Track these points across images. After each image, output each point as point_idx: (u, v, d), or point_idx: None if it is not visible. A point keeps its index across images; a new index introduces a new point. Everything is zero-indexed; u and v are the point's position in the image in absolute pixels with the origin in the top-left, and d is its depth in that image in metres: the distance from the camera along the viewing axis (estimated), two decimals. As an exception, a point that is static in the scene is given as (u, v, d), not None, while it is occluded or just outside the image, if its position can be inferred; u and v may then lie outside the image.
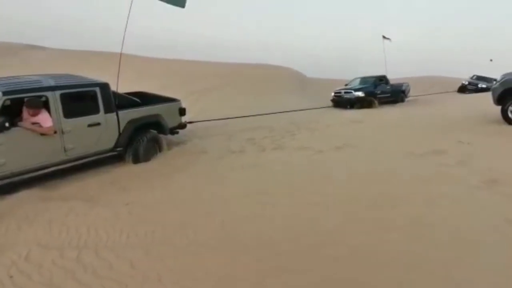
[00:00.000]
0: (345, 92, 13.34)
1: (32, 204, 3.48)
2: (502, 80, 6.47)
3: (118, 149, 4.83)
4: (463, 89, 19.78)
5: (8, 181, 3.67)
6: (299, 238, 2.56)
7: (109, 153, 4.75)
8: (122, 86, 5.53)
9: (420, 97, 17.05)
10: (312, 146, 5.65)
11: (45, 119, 3.91)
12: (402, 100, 14.64)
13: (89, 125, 4.43)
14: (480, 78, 19.89)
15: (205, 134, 7.21)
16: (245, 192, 3.68)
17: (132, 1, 5.54)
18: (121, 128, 4.84)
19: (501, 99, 6.36)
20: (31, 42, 24.96)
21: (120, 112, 4.83)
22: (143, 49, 21.55)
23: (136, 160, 5.01)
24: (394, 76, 16.26)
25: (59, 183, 4.21)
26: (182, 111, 5.97)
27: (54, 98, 4.05)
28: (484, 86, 18.33)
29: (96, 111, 4.54)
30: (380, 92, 13.55)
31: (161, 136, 5.52)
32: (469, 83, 19.79)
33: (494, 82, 7.15)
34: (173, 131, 5.88)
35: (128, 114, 4.95)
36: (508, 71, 6.71)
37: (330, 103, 13.87)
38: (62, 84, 4.21)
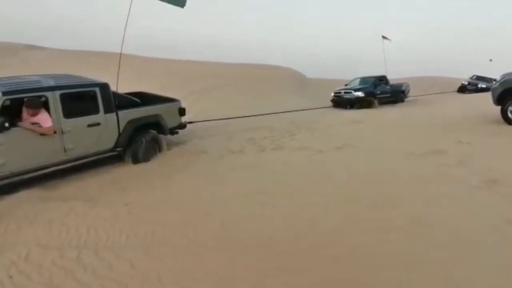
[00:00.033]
0: (345, 92, 13.34)
1: (32, 204, 3.48)
2: (502, 80, 6.47)
3: (118, 149, 4.83)
4: (463, 89, 19.80)
5: (8, 181, 3.67)
6: (299, 238, 2.56)
7: (109, 153, 4.75)
8: (122, 86, 5.52)
9: (420, 97, 17.05)
10: (312, 146, 5.65)
11: (44, 119, 3.91)
12: (402, 100, 14.64)
13: (89, 125, 4.42)
14: (480, 78, 19.90)
15: (205, 134, 7.21)
16: (245, 192, 3.68)
17: (132, 1, 5.54)
18: (121, 128, 4.84)
19: (500, 99, 6.36)
20: (31, 42, 24.97)
21: (120, 112, 4.83)
22: (143, 49, 21.58)
23: (136, 160, 5.01)
24: (394, 76, 16.27)
25: (59, 183, 4.21)
26: (182, 111, 5.97)
27: (54, 98, 4.05)
28: (483, 86, 18.35)
29: (96, 111, 4.53)
30: (380, 92, 13.55)
31: (161, 136, 5.52)
32: (469, 83, 19.81)
33: (494, 82, 7.15)
34: (173, 131, 5.87)
35: (128, 114, 4.95)
36: (508, 71, 6.71)
37: (330, 103, 13.88)
38: (62, 84, 4.21)
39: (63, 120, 4.13)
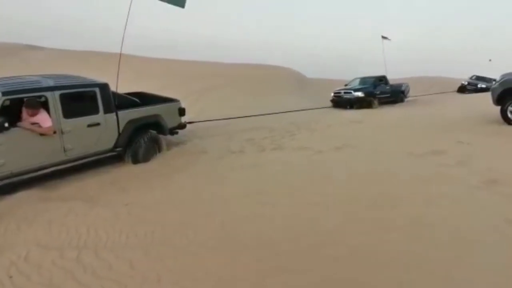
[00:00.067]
0: (344, 93, 13.35)
1: (32, 204, 3.47)
2: (502, 80, 6.48)
3: (118, 149, 4.82)
4: (462, 89, 19.82)
5: (8, 181, 3.67)
6: (299, 238, 2.56)
7: (108, 153, 4.74)
8: (121, 86, 5.52)
9: (419, 97, 17.06)
10: (312, 146, 5.65)
11: (44, 119, 3.91)
12: (402, 100, 14.66)
13: (89, 125, 4.42)
14: (480, 78, 19.92)
15: (204, 134, 7.21)
16: (245, 192, 3.68)
17: (131, 1, 5.54)
18: (121, 128, 4.84)
19: (500, 99, 6.37)
20: (31, 42, 24.98)
21: (120, 112, 4.83)
22: (143, 49, 21.57)
23: (136, 160, 5.01)
24: (394, 76, 16.28)
25: (58, 183, 4.20)
26: (181, 111, 5.96)
27: (53, 98, 4.04)
28: (483, 86, 18.36)
29: (96, 111, 4.53)
30: (380, 93, 13.56)
31: (161, 136, 5.52)
32: (469, 83, 19.83)
33: (494, 82, 7.15)
34: (172, 131, 5.87)
35: (128, 114, 4.95)
36: (508, 71, 6.72)
37: (330, 103, 13.88)
38: (61, 85, 4.21)
39: (63, 120, 4.12)
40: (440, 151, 4.70)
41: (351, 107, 12.85)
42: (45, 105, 3.99)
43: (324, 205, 3.13)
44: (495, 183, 3.34)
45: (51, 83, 4.14)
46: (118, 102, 4.89)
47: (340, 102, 13.37)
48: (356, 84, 14.18)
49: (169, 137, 5.96)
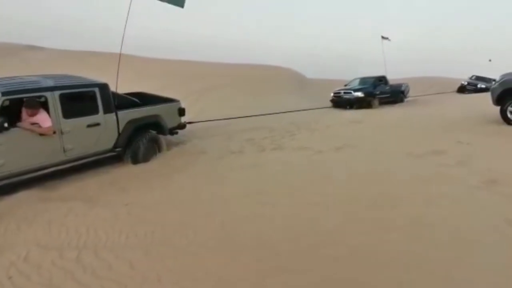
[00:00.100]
0: (344, 93, 13.35)
1: (32, 204, 3.47)
2: (501, 81, 6.48)
3: (118, 149, 4.82)
4: (462, 89, 19.83)
5: (8, 181, 3.66)
6: (299, 238, 2.56)
7: (108, 153, 4.74)
8: (121, 86, 5.52)
9: (419, 97, 17.06)
10: (312, 146, 5.65)
11: (44, 119, 3.90)
12: (402, 101, 14.66)
13: (89, 126, 4.42)
14: (479, 79, 19.93)
15: (204, 135, 7.20)
16: (245, 192, 3.67)
17: (131, 1, 5.54)
18: (121, 129, 4.84)
19: (500, 100, 6.37)
20: (31, 42, 24.92)
21: (120, 113, 4.83)
22: (143, 49, 21.53)
23: (136, 160, 5.00)
24: (394, 76, 16.27)
25: (58, 183, 4.20)
26: (181, 112, 5.96)
27: (53, 99, 4.04)
28: (483, 86, 18.36)
29: (96, 111, 4.53)
30: (380, 93, 13.56)
31: (161, 136, 5.52)
32: (468, 84, 19.83)
33: (493, 83, 7.16)
34: (172, 131, 5.87)
35: (128, 115, 4.95)
36: (508, 71, 6.72)
37: (330, 104, 13.89)
38: (61, 85, 4.21)
39: (63, 120, 4.12)
40: (440, 151, 4.70)
41: (351, 107, 12.85)
42: (44, 105, 3.99)
43: (324, 205, 3.13)
44: (495, 183, 3.34)
45: (50, 83, 4.14)
46: (118, 102, 4.89)
47: (340, 102, 13.37)
48: (355, 84, 14.18)
49: (169, 137, 5.96)
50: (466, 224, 2.58)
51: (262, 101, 12.95)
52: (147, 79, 13.78)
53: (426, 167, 4.06)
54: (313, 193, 3.49)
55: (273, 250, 2.42)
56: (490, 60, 24.73)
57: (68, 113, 4.17)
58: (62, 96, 4.12)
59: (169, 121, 5.65)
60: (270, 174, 4.36)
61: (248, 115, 9.43)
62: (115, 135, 4.79)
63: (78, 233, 2.84)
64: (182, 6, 5.90)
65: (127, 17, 5.60)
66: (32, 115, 3.86)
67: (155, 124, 5.40)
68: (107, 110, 4.64)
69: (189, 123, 6.66)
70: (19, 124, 3.81)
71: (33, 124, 3.86)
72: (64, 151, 4.16)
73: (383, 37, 17.17)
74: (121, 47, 5.69)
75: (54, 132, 4.01)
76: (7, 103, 3.75)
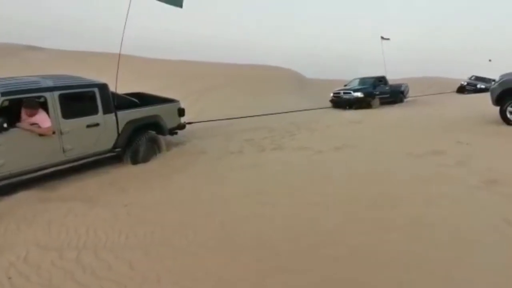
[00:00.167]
0: (344, 93, 13.36)
1: (31, 205, 3.46)
2: (501, 81, 6.49)
3: (117, 149, 4.81)
4: (462, 89, 19.85)
5: (7, 182, 3.65)
6: (299, 238, 2.56)
7: (108, 153, 4.74)
8: (121, 86, 5.52)
9: (419, 97, 17.08)
10: (311, 147, 5.65)
11: (43, 120, 3.90)
12: (401, 101, 14.68)
13: (88, 126, 4.41)
14: (479, 79, 19.95)
15: (204, 135, 7.20)
16: (245, 192, 3.67)
17: (130, 2, 5.53)
18: (120, 129, 4.83)
19: (499, 100, 6.38)
20: (31, 42, 24.89)
21: (119, 113, 4.82)
22: (142, 50, 21.54)
23: (135, 161, 5.00)
24: (393, 76, 16.30)
25: (58, 184, 4.19)
26: (181, 112, 5.96)
27: (52, 99, 4.03)
28: (482, 86, 18.37)
29: (95, 111, 4.53)
30: (379, 93, 13.57)
31: (160, 136, 5.52)
32: (468, 84, 19.85)
33: (493, 83, 7.16)
34: (172, 131, 5.87)
35: (127, 115, 4.94)
36: (507, 71, 6.73)
37: (329, 104, 13.89)
38: (60, 85, 4.20)
39: (62, 120, 4.11)
40: (440, 151, 4.70)
41: (350, 107, 12.86)
42: (44, 106, 3.98)
43: (324, 205, 3.13)
44: (495, 183, 3.34)
45: (50, 83, 4.13)
46: (117, 102, 4.88)
47: (340, 102, 13.37)
48: (355, 84, 14.19)
49: (168, 137, 5.96)
50: (466, 224, 2.59)
51: (262, 101, 12.95)
52: (147, 79, 13.78)
53: (426, 167, 4.06)
54: (313, 193, 3.49)
55: (273, 250, 2.42)
56: (490, 60, 24.78)
57: (68, 113, 4.17)
58: (61, 97, 4.11)
59: (169, 122, 5.65)
60: (270, 174, 4.36)
61: (248, 115, 9.43)
62: (115, 135, 4.78)
63: (77, 234, 2.83)
64: (180, 6, 5.89)
65: (126, 17, 5.60)
66: (32, 115, 3.86)
67: (155, 125, 5.39)
68: (106, 111, 4.63)
69: (189, 123, 6.66)
70: (18, 124, 3.81)
71: (32, 124, 3.86)
72: (64, 151, 4.16)
73: (382, 38, 17.18)
74: (121, 47, 5.68)
75: (54, 133, 4.01)
76: (6, 103, 3.74)
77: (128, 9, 5.56)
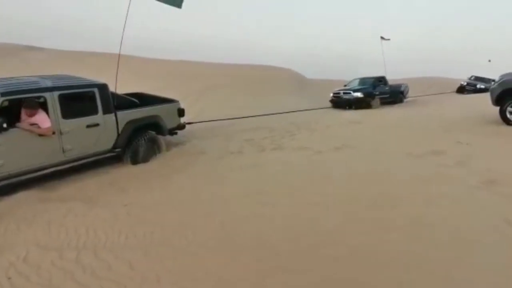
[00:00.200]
0: (344, 93, 13.37)
1: (31, 205, 3.46)
2: (501, 81, 6.49)
3: (117, 150, 4.81)
4: (461, 89, 19.87)
5: (7, 182, 3.65)
6: (299, 238, 2.56)
7: (107, 154, 4.73)
8: (121, 87, 5.51)
9: (418, 97, 17.09)
10: (311, 147, 5.65)
11: (43, 120, 3.90)
12: (401, 101, 14.69)
13: (88, 126, 4.41)
14: (479, 79, 19.97)
15: (204, 135, 7.20)
16: (245, 192, 3.67)
17: (130, 2, 5.53)
18: (120, 129, 4.83)
19: (499, 100, 6.38)
20: (31, 42, 24.85)
21: (119, 113, 4.82)
22: (142, 50, 21.53)
23: (135, 161, 5.00)
24: (393, 76, 16.32)
25: (57, 184, 4.19)
26: (181, 112, 5.96)
27: (52, 99, 4.03)
28: (482, 86, 18.39)
29: (95, 112, 4.52)
30: (379, 93, 13.58)
31: (160, 137, 5.51)
32: (468, 84, 19.87)
33: (493, 83, 7.17)
34: (172, 132, 5.87)
35: (127, 115, 4.94)
36: (507, 71, 6.73)
37: (329, 104, 13.90)
38: (60, 85, 4.20)
39: (62, 120, 4.11)
40: (440, 151, 4.70)
41: (350, 107, 12.87)
42: (44, 106, 3.98)
43: (324, 205, 3.13)
44: (495, 183, 3.34)
45: (49, 83, 4.13)
46: (117, 102, 4.88)
47: (339, 102, 13.38)
48: (355, 84, 14.20)
49: (168, 137, 5.95)
50: (466, 224, 2.59)
51: (262, 101, 12.96)
52: (147, 79, 13.78)
53: (426, 167, 4.07)
54: (313, 193, 3.49)
55: (273, 250, 2.42)
56: (489, 61, 24.79)
57: (67, 113, 4.16)
58: (61, 97, 4.11)
59: (169, 122, 5.65)
60: (270, 174, 4.36)
61: (248, 115, 9.44)
62: (115, 135, 4.78)
63: (77, 234, 2.83)
64: (179, 6, 5.89)
65: (126, 17, 5.60)
66: (31, 115, 3.86)
67: (155, 125, 5.39)
68: (106, 111, 4.63)
69: (189, 123, 6.66)
70: (18, 124, 3.80)
71: (32, 124, 3.86)
72: (64, 151, 4.16)
73: (382, 38, 17.19)
74: (120, 48, 5.68)
75: (53, 133, 4.01)
76: (6, 103, 3.74)
77: (128, 9, 5.56)
